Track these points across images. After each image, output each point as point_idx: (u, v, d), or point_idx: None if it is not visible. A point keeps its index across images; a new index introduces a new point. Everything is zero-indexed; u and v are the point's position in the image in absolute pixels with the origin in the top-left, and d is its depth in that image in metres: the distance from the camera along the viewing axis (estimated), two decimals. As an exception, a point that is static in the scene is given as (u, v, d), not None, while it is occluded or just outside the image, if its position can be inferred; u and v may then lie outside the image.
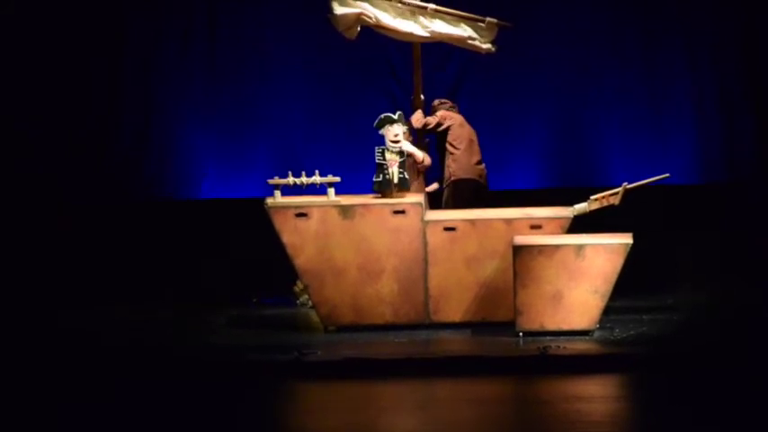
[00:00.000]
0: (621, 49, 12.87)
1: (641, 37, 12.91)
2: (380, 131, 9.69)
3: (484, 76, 12.55)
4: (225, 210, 12.16)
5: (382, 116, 9.65)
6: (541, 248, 8.98)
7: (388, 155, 9.54)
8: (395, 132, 9.65)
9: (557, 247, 8.98)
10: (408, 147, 9.76)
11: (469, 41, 9.88)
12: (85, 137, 12.95)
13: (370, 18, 9.75)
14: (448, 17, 9.87)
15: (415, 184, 9.91)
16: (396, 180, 9.49)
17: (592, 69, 12.87)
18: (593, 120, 12.84)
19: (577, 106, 12.90)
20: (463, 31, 9.87)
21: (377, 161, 9.52)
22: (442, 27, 9.85)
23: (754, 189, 12.57)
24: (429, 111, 10.42)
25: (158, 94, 13.00)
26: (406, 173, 9.53)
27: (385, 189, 9.47)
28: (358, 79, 12.60)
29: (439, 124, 10.21)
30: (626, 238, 9.03)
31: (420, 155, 9.97)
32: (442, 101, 10.50)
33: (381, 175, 9.49)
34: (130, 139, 12.98)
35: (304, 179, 9.54)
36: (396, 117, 9.66)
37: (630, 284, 9.39)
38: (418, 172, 10.09)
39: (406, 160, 9.69)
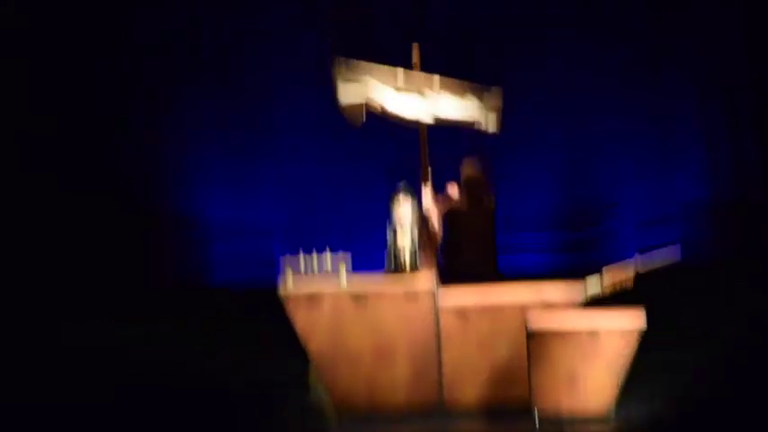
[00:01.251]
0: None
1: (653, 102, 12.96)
2: (391, 208, 9.65)
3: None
4: (236, 295, 12.16)
5: (400, 188, 9.59)
6: (555, 333, 8.94)
7: (399, 234, 9.52)
8: (404, 209, 9.60)
9: (570, 331, 8.94)
10: (428, 210, 9.76)
11: (476, 126, 9.90)
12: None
13: (375, 107, 9.74)
14: (454, 87, 9.86)
15: (427, 257, 9.88)
16: (407, 260, 9.46)
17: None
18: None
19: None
20: (468, 113, 9.86)
21: (388, 240, 9.51)
22: (447, 110, 9.83)
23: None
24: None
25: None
26: (417, 252, 9.51)
27: (398, 271, 9.43)
28: (368, 155, 12.62)
29: None
30: (640, 321, 8.99)
31: (436, 224, 9.92)
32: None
33: (392, 253, 9.47)
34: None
35: (315, 257, 9.49)
36: (404, 193, 9.61)
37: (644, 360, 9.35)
38: (431, 244, 10.05)
39: (422, 231, 9.66)
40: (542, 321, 9.08)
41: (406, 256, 9.43)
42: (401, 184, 9.55)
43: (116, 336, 11.88)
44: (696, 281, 11.87)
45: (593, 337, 8.92)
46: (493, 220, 10.71)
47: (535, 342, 8.95)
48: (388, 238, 9.50)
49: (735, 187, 13.23)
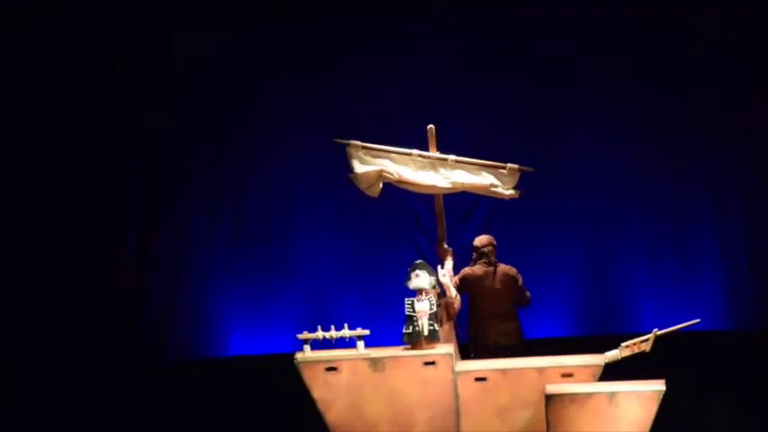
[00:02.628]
0: (648, 193, 12.97)
1: (669, 183, 13.02)
2: (408, 280, 9.64)
3: (509, 224, 12.64)
4: (253, 367, 12.14)
5: (417, 263, 9.62)
6: (573, 397, 8.85)
7: (417, 306, 9.51)
8: (422, 281, 9.60)
9: (589, 395, 8.85)
10: (445, 279, 9.80)
11: (492, 189, 9.87)
12: (115, 302, 13.08)
13: (391, 174, 9.82)
14: (469, 166, 9.94)
15: (445, 328, 9.87)
16: (426, 332, 9.43)
17: (617, 215, 12.95)
18: (620, 269, 12.86)
19: (604, 255, 12.94)
20: (484, 179, 9.89)
21: (406, 313, 9.47)
22: (463, 177, 9.86)
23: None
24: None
25: (186, 255, 13.15)
26: (436, 324, 9.49)
27: (415, 340, 9.40)
28: (384, 232, 12.69)
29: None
30: (659, 385, 8.93)
31: (454, 292, 9.96)
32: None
33: (411, 327, 9.43)
34: (159, 302, 13.08)
35: (333, 333, 9.50)
36: (422, 266, 9.63)
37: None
38: (449, 315, 10.06)
39: (440, 302, 9.66)
40: (561, 387, 9.04)
41: (425, 325, 9.40)
42: (419, 261, 9.57)
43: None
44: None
45: (612, 400, 8.85)
46: (513, 287, 10.80)
47: (553, 406, 8.88)
48: (406, 308, 9.48)
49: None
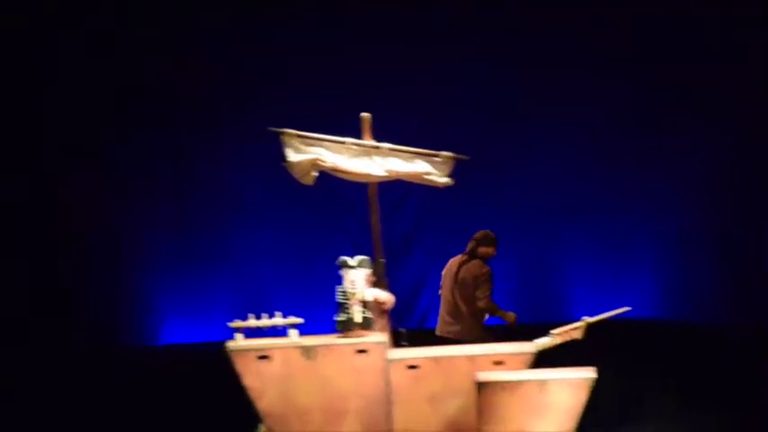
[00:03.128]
0: (585, 179, 13.05)
1: (604, 175, 13.12)
2: (341, 272, 9.64)
3: (442, 214, 12.66)
4: (185, 355, 12.09)
5: (341, 258, 9.61)
6: (504, 384, 8.90)
7: (349, 294, 9.49)
8: (351, 278, 9.56)
9: (519, 382, 8.90)
10: (371, 292, 9.66)
11: (426, 176, 9.88)
12: (53, 285, 12.99)
13: (325, 162, 9.77)
14: (403, 154, 9.92)
15: (379, 323, 9.87)
16: (358, 319, 9.43)
17: (551, 206, 13.02)
18: (553, 258, 12.93)
19: (537, 245, 13.01)
20: (419, 167, 9.89)
21: (338, 300, 9.47)
22: (397, 165, 9.86)
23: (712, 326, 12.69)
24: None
25: (120, 244, 13.06)
26: (368, 312, 9.48)
27: (347, 328, 9.40)
28: (319, 221, 12.67)
29: None
30: (589, 373, 8.99)
31: (384, 297, 9.93)
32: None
33: (343, 315, 9.44)
34: (92, 290, 12.99)
35: (265, 321, 9.47)
36: (354, 262, 9.60)
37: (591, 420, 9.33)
38: (382, 311, 10.05)
39: (370, 301, 9.65)
40: (492, 375, 9.06)
41: (357, 312, 9.38)
42: (360, 257, 9.55)
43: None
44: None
45: (543, 387, 8.89)
46: (466, 286, 10.75)
47: (484, 394, 8.91)
48: (337, 296, 9.46)
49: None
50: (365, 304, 9.46)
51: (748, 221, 13.48)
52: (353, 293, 9.45)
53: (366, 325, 9.44)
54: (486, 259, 10.92)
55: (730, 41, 13.55)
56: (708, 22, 13.62)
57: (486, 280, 10.75)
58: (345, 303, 9.44)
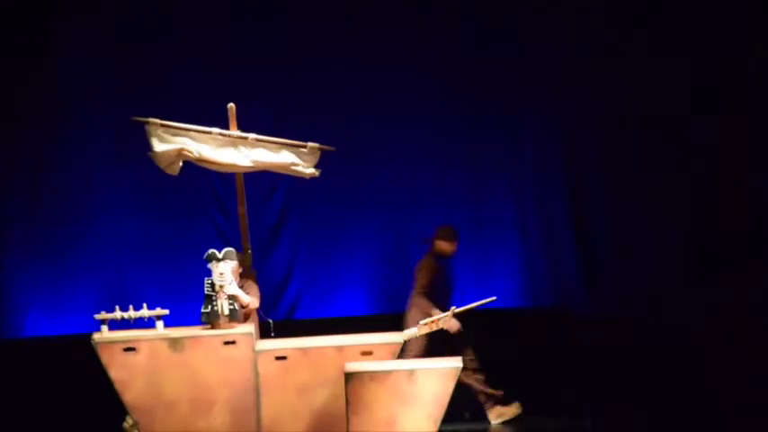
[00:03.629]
0: (448, 170, 13.16)
1: (468, 162, 13.24)
2: (208, 265, 9.58)
3: (310, 206, 12.68)
4: (50, 348, 11.91)
5: (209, 252, 9.54)
6: (372, 375, 8.93)
7: (216, 286, 9.44)
8: (220, 271, 9.49)
9: (388, 372, 8.95)
10: (233, 290, 9.53)
11: (292, 167, 9.82)
12: None
13: (191, 153, 9.66)
14: (269, 145, 9.89)
15: (244, 318, 9.84)
16: (225, 311, 9.39)
17: (416, 194, 13.11)
18: (419, 248, 13.02)
19: (403, 234, 13.09)
20: (285, 157, 9.83)
21: (205, 292, 9.41)
22: (263, 155, 9.77)
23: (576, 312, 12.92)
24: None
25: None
26: (236, 304, 9.45)
27: (214, 320, 9.34)
28: (184, 211, 12.58)
29: None
30: (456, 362, 9.09)
31: (246, 299, 9.82)
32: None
33: (210, 306, 9.38)
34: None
35: (132, 313, 9.37)
36: (221, 255, 9.54)
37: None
38: (245, 315, 10.00)
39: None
40: (360, 365, 9.11)
41: (225, 305, 9.35)
42: (225, 250, 9.50)
43: None
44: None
45: (411, 377, 8.95)
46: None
47: (353, 384, 8.94)
48: (205, 287, 9.40)
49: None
50: (232, 297, 9.43)
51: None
52: (221, 286, 9.42)
53: (233, 317, 9.40)
54: (442, 255, 11.15)
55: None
56: None
57: (422, 273, 11.00)
58: (212, 295, 9.39)
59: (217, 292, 9.38)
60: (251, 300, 9.87)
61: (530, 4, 13.54)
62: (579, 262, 13.52)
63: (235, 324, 9.42)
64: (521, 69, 13.52)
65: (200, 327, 9.44)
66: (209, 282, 9.42)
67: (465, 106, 13.51)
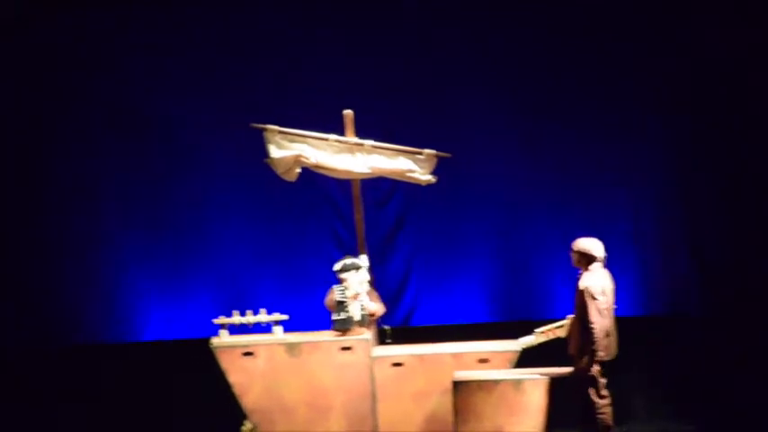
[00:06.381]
0: (565, 189, 13.04)
1: (583, 168, 13.12)
2: (344, 274, 9.63)
3: (427, 212, 12.69)
4: (170, 352, 12.09)
5: (350, 261, 9.62)
6: (480, 384, 8.91)
7: (349, 292, 9.51)
8: (359, 279, 9.58)
9: (496, 382, 8.92)
10: (369, 305, 9.64)
11: (408, 174, 9.89)
12: (31, 282, 12.96)
13: (308, 159, 9.79)
14: (386, 151, 9.94)
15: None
16: (358, 317, 9.46)
17: (532, 201, 13.03)
18: (536, 255, 12.96)
19: (520, 241, 13.02)
20: (401, 164, 9.90)
21: (338, 299, 9.48)
22: (380, 162, 9.87)
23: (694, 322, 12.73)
24: None
25: (102, 242, 13.04)
26: (366, 310, 9.52)
27: (346, 326, 9.42)
28: (301, 217, 12.68)
29: None
30: (565, 372, 9.02)
31: (373, 307, 9.82)
32: None
33: (343, 313, 9.46)
34: (73, 284, 12.96)
35: (250, 318, 9.52)
36: (360, 263, 9.63)
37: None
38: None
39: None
40: (469, 374, 9.09)
41: (357, 311, 9.43)
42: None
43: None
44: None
45: (518, 387, 8.90)
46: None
47: (461, 393, 8.93)
48: (337, 294, 9.48)
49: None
50: (365, 303, 9.52)
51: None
52: (357, 294, 9.51)
53: (363, 323, 9.49)
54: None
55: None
56: None
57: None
58: (345, 302, 9.47)
59: (348, 299, 9.45)
60: (378, 306, 9.93)
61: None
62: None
63: (364, 330, 9.48)
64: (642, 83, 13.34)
65: (320, 332, 9.54)
66: (342, 288, 9.50)
67: (589, 117, 13.36)
